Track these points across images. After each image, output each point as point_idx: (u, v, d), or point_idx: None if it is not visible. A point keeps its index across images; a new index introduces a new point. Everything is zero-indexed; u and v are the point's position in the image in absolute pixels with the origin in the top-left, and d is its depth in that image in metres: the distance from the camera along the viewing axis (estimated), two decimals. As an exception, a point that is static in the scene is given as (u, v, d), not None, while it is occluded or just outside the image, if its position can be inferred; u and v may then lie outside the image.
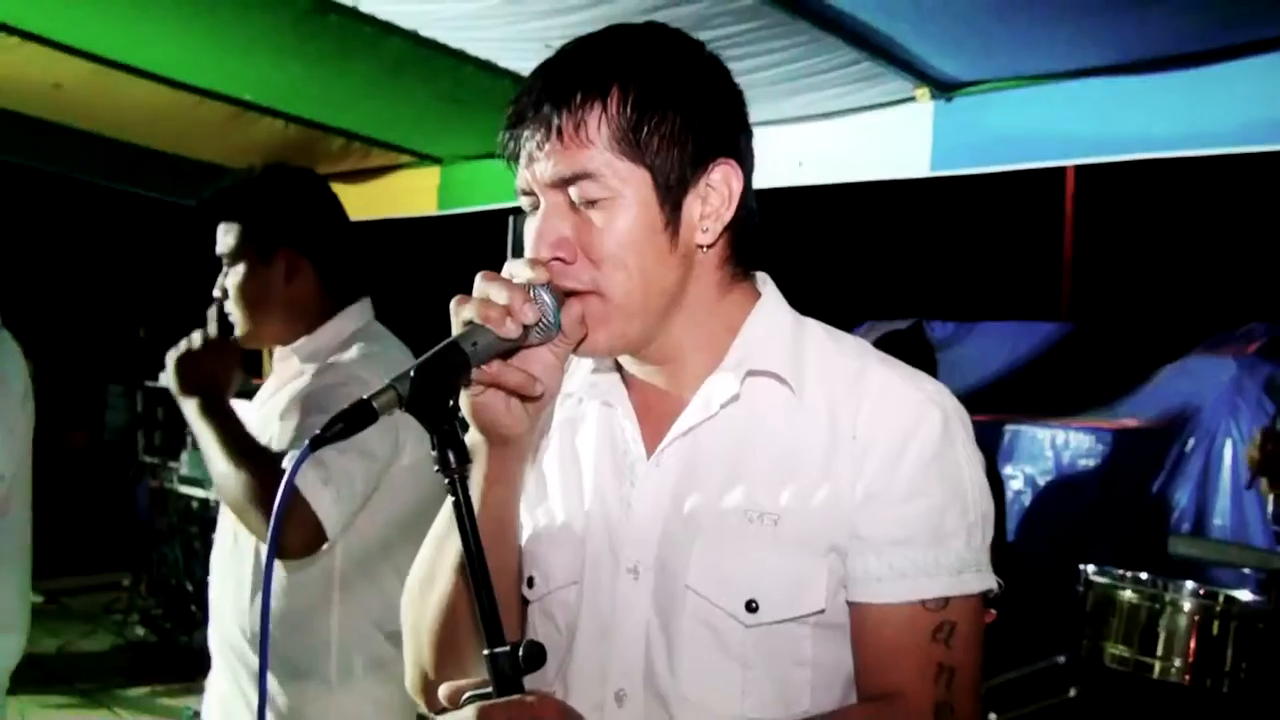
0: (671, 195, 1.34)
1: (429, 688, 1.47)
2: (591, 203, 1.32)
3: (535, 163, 1.34)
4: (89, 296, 11.43)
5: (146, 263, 11.53)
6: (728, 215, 1.38)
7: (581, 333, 1.35)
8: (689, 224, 1.36)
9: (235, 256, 2.58)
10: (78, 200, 9.66)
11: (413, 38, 4.18)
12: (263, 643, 1.22)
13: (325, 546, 2.32)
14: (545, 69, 1.38)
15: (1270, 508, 3.44)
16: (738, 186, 1.38)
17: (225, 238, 2.58)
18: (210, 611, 2.64)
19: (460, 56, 4.35)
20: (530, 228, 1.37)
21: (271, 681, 2.44)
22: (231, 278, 2.57)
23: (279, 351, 2.69)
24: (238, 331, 2.59)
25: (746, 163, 1.42)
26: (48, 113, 5.39)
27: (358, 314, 2.68)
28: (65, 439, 8.79)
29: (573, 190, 1.32)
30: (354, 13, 3.95)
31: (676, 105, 1.34)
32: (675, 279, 1.37)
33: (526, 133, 1.35)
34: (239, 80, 4.94)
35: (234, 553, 2.57)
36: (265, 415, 2.61)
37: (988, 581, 1.36)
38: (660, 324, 1.38)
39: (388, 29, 4.10)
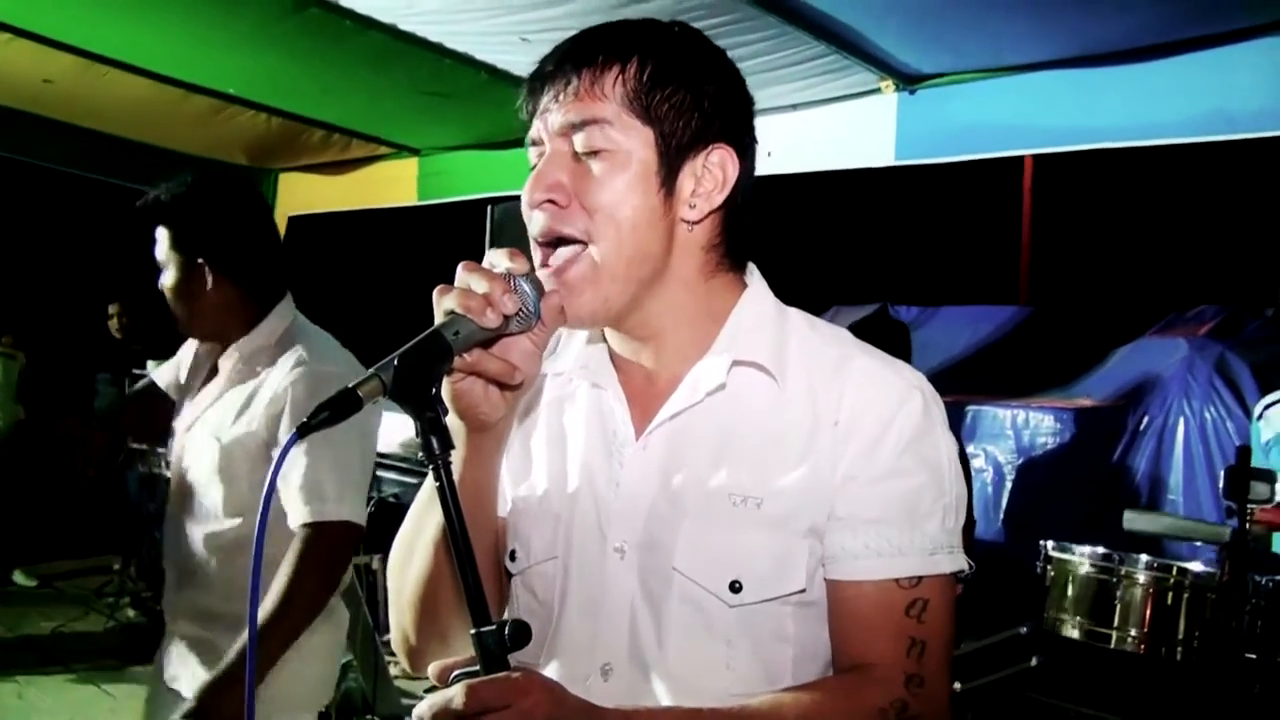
0: (670, 161, 1.37)
1: (411, 650, 1.53)
2: (594, 153, 1.35)
3: (549, 113, 1.37)
4: (77, 286, 11.37)
5: (133, 253, 11.52)
6: (718, 198, 1.40)
7: (561, 322, 1.36)
8: (680, 197, 1.39)
9: (165, 261, 2.75)
10: (67, 193, 9.63)
11: (392, 31, 4.24)
12: (251, 617, 1.25)
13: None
14: (573, 39, 1.41)
15: (1221, 483, 3.54)
16: (733, 173, 1.40)
17: (159, 242, 2.76)
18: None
19: (438, 50, 4.42)
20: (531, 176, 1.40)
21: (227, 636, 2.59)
22: (165, 278, 2.75)
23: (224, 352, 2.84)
24: (179, 326, 2.82)
25: (746, 158, 1.44)
26: (38, 107, 5.45)
27: (284, 311, 2.81)
28: (58, 425, 8.78)
29: (578, 138, 1.35)
30: (334, 7, 4.01)
31: (689, 84, 1.38)
32: (660, 247, 1.39)
33: (546, 86, 1.38)
34: (223, 74, 5.00)
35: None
36: (221, 412, 2.75)
37: (959, 562, 1.39)
38: (643, 294, 1.40)
39: (367, 23, 4.16)
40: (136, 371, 7.53)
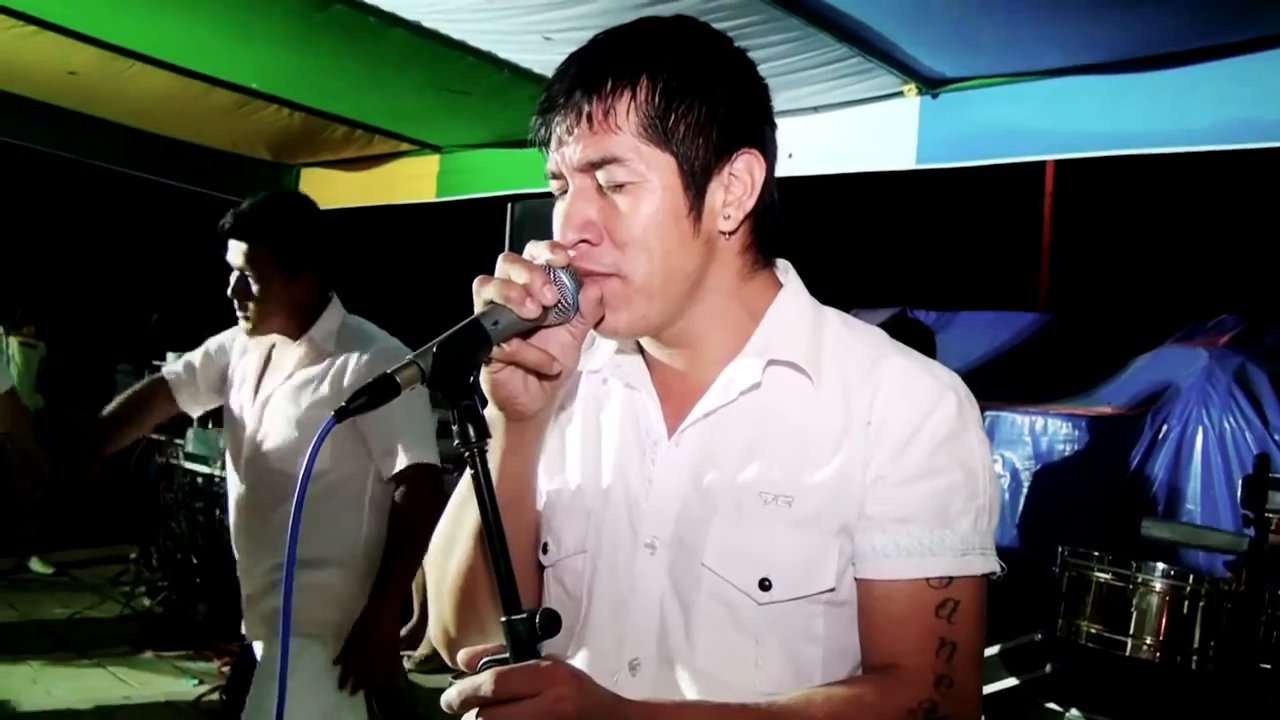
0: (696, 182, 1.35)
1: (450, 642, 1.53)
2: (618, 187, 1.33)
3: (565, 147, 1.35)
4: (99, 278, 11.42)
5: (155, 245, 11.60)
6: (750, 203, 1.39)
7: (599, 314, 1.36)
8: (712, 211, 1.37)
9: (256, 270, 3.12)
10: (89, 184, 9.71)
11: (415, 29, 4.27)
12: (288, 573, 1.28)
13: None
14: (578, 58, 1.38)
15: (1239, 493, 3.53)
16: (760, 175, 1.39)
17: (247, 253, 3.12)
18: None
19: (461, 48, 4.45)
20: (558, 211, 1.38)
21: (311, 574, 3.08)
22: (253, 286, 3.13)
23: (279, 340, 3.29)
24: (246, 326, 3.20)
25: (769, 154, 1.43)
26: (62, 99, 5.49)
27: (337, 305, 3.30)
28: (72, 416, 8.87)
29: (600, 174, 1.33)
30: (358, 4, 4.04)
31: (703, 95, 1.35)
32: (697, 264, 1.38)
33: (558, 118, 1.35)
34: (246, 69, 5.04)
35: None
36: (291, 390, 3.22)
37: (991, 564, 1.38)
38: (680, 308, 1.39)
39: (391, 20, 4.19)
40: (156, 363, 7.60)
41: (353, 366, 3.16)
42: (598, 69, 1.35)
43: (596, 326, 1.38)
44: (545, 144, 1.39)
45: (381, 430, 3.10)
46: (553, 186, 1.41)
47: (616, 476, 1.48)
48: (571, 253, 1.34)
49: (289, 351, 3.27)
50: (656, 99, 1.33)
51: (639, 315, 1.38)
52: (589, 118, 1.33)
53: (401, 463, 3.11)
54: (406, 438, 3.12)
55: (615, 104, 1.33)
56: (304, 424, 3.13)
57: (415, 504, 3.11)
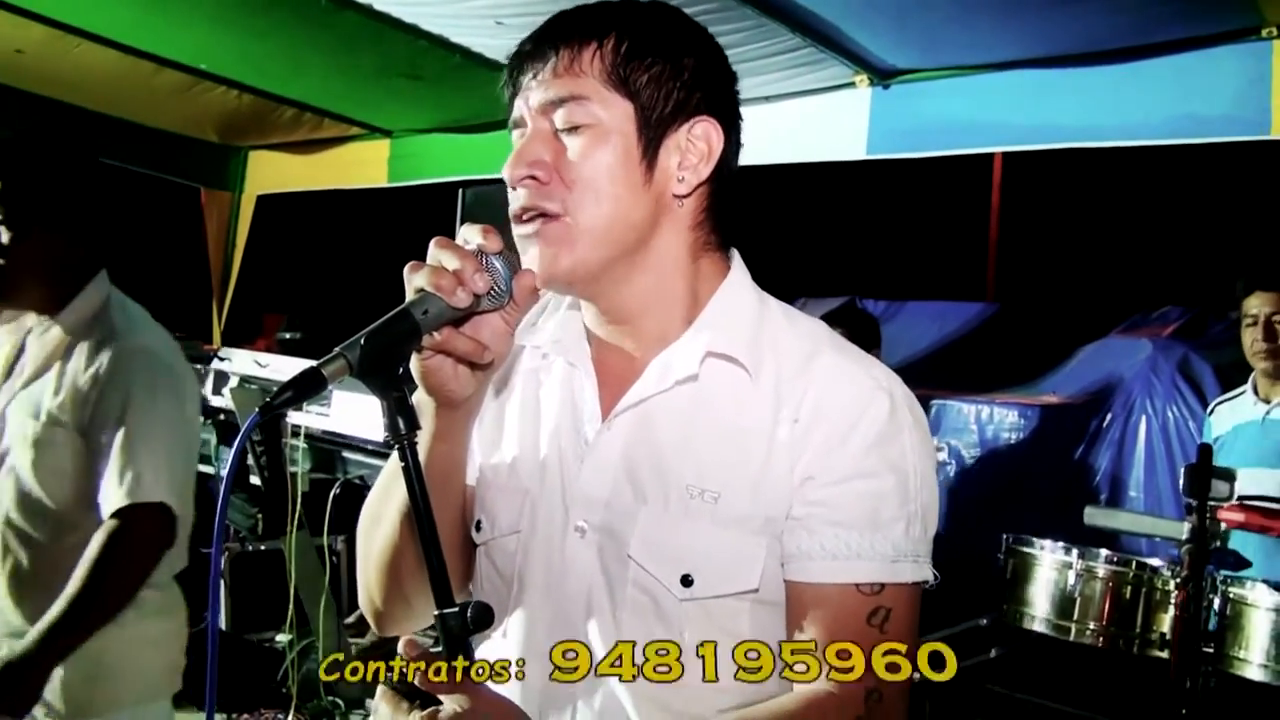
0: (651, 132, 1.36)
1: (377, 613, 1.56)
2: (574, 129, 1.34)
3: (529, 92, 1.37)
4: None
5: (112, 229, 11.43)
6: (705, 171, 1.39)
7: (533, 301, 1.35)
8: (666, 171, 1.38)
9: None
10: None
11: (366, 11, 4.23)
12: (213, 610, 1.19)
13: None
14: (551, 19, 1.40)
15: (1182, 481, 3.57)
16: (718, 145, 1.39)
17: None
18: None
19: (413, 31, 4.41)
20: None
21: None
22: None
23: (35, 322, 2.59)
24: None
25: (731, 132, 1.43)
26: (9, 78, 5.40)
27: (102, 283, 2.61)
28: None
29: (559, 115, 1.35)
30: (310, -15, 4.00)
31: (668, 57, 1.37)
32: (644, 216, 1.37)
33: (525, 66, 1.38)
34: (195, 49, 4.97)
35: None
36: (36, 391, 2.52)
37: (924, 573, 1.35)
38: (625, 267, 1.38)
39: (342, 3, 4.15)
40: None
41: (82, 374, 2.48)
42: (568, 27, 1.37)
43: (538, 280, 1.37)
44: (512, 96, 1.40)
45: (117, 449, 2.42)
46: (514, 137, 1.41)
47: (552, 455, 1.46)
48: (520, 191, 1.35)
49: (39, 342, 2.57)
50: (622, 51, 1.35)
51: (580, 259, 1.35)
52: (554, 64, 1.35)
53: (130, 496, 2.40)
54: (149, 465, 2.44)
55: (581, 52, 1.35)
56: (47, 434, 2.48)
57: (126, 553, 2.41)
